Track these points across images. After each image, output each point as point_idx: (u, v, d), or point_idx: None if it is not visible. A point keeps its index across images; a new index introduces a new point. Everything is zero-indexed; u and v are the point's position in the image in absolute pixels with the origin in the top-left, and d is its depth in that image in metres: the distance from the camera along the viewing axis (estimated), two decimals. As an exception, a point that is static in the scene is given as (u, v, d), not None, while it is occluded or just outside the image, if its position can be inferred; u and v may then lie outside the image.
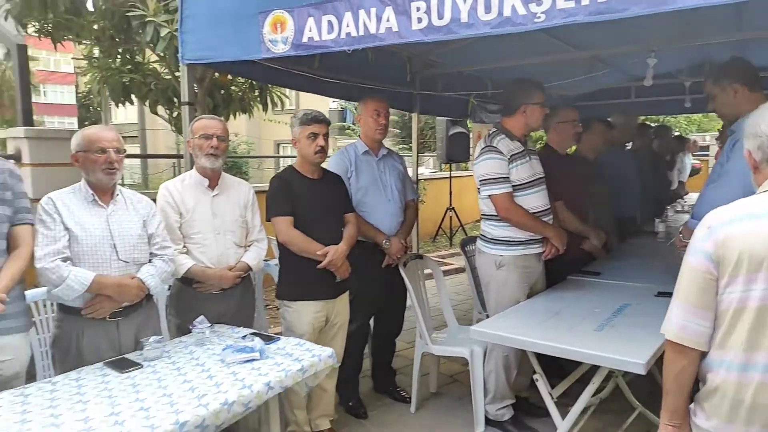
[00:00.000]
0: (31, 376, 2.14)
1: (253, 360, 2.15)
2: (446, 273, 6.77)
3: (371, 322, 3.46)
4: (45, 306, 2.52)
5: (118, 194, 2.35)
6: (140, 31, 4.07)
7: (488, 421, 3.06)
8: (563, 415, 2.51)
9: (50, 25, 4.20)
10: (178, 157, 3.93)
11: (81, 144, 2.26)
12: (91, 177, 2.28)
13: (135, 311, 2.31)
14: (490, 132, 3.03)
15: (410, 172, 6.00)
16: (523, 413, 3.09)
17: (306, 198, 2.76)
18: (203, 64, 3.23)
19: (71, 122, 31.58)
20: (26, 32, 4.30)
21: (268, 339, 2.37)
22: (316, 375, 2.24)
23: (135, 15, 3.92)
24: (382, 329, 3.48)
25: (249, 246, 2.74)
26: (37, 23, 4.15)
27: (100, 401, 1.84)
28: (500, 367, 2.97)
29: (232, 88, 6.10)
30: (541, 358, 2.53)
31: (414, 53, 4.66)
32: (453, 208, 8.73)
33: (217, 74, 5.46)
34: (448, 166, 9.00)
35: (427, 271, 3.68)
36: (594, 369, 2.43)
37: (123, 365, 2.11)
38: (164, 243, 2.42)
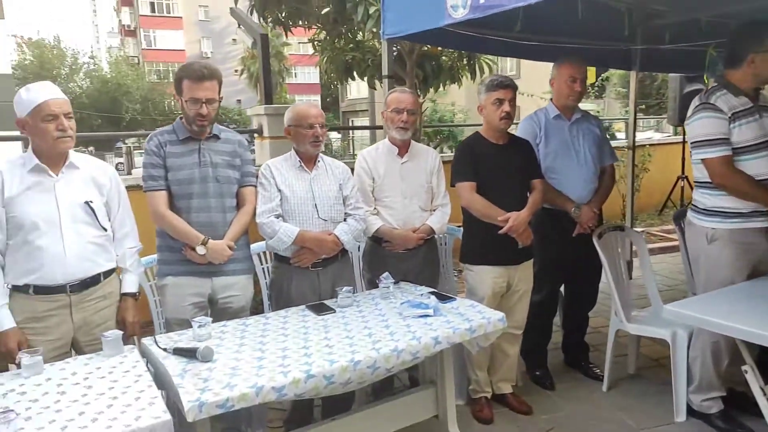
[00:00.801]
0: (253, 311, 2.61)
1: (427, 315, 2.30)
2: (670, 249, 6.08)
3: (562, 293, 3.35)
4: (266, 256, 3.02)
5: (319, 161, 2.68)
6: (355, 11, 4.47)
7: (692, 412, 2.76)
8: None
9: (283, 14, 4.85)
10: (379, 128, 4.24)
11: (292, 119, 2.62)
12: (300, 147, 2.64)
13: (332, 263, 2.64)
14: (710, 87, 2.64)
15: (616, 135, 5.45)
16: (738, 409, 2.71)
17: (490, 164, 2.77)
18: (399, 38, 3.40)
19: (316, 99, 35.78)
20: (266, 23, 5.03)
21: (444, 298, 2.49)
22: (486, 336, 2.30)
23: (349, -3, 4.32)
24: (573, 302, 3.34)
25: (434, 210, 2.88)
26: (272, 15, 4.83)
27: (297, 336, 2.18)
28: (707, 354, 2.64)
29: (443, 58, 6.25)
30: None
31: (634, 4, 4.20)
32: (686, 177, 7.70)
33: (427, 46, 5.68)
34: (683, 129, 7.94)
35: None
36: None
37: (320, 309, 2.45)
38: (357, 204, 2.70)
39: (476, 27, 3.62)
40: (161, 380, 1.89)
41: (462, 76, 6.37)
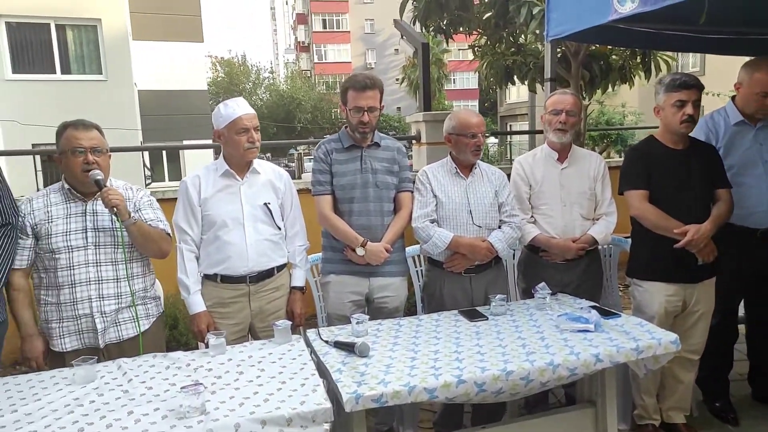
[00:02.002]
0: (407, 312, 2.68)
1: (587, 331, 2.17)
2: None
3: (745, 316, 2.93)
4: (420, 259, 3.08)
5: (476, 167, 2.67)
6: (518, 14, 4.39)
7: None
8: None
9: (445, 22, 4.93)
10: (538, 132, 4.08)
11: (455, 127, 2.64)
12: (459, 155, 2.65)
13: (485, 270, 2.62)
14: None
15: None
16: None
17: (665, 170, 2.53)
18: (564, 38, 3.26)
19: (473, 104, 35.69)
20: (427, 32, 5.15)
21: (607, 314, 2.33)
22: (656, 358, 2.10)
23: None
24: (759, 325, 2.90)
25: (597, 219, 2.71)
26: (434, 23, 4.93)
27: (449, 340, 2.19)
28: None
29: (613, 57, 5.89)
30: None
31: None
32: None
33: (595, 46, 5.38)
34: None
35: None
36: None
37: (472, 315, 2.44)
38: (512, 211, 2.64)
39: (651, 22, 3.33)
40: (322, 370, 2.03)
41: (634, 76, 5.94)
